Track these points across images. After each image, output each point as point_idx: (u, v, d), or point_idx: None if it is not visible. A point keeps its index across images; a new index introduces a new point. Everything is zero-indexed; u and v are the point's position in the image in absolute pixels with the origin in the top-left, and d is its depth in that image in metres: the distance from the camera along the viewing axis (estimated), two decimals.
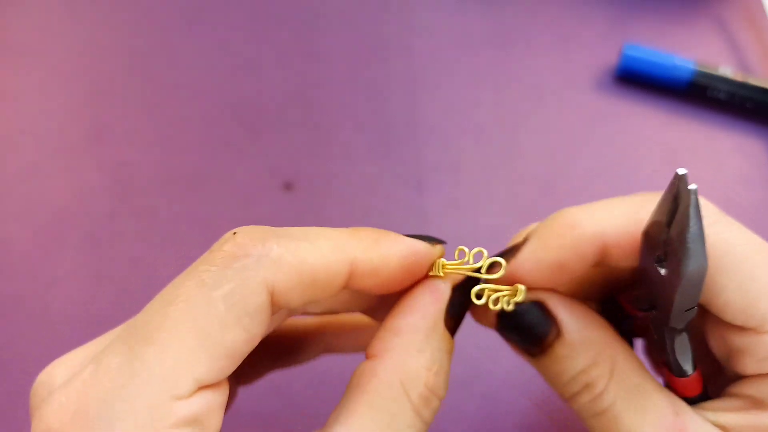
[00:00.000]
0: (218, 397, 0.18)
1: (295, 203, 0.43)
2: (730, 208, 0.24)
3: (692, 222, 0.18)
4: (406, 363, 0.21)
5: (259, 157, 0.45)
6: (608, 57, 0.49)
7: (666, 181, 0.20)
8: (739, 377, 0.22)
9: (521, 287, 0.22)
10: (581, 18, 0.51)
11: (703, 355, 0.24)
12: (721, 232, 0.21)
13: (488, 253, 0.22)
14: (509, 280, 0.23)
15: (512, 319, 0.23)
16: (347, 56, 0.49)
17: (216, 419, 0.18)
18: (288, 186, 0.44)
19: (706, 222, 0.19)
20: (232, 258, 0.18)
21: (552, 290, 0.23)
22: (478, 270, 0.22)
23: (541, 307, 0.23)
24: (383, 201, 0.43)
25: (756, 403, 0.22)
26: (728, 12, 0.51)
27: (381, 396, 0.20)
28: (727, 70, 0.46)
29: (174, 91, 0.48)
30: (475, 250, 0.22)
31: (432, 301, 0.22)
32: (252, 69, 0.49)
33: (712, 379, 0.24)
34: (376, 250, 0.20)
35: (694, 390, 0.22)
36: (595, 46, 0.50)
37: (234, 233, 0.19)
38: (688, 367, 0.21)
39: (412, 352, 0.21)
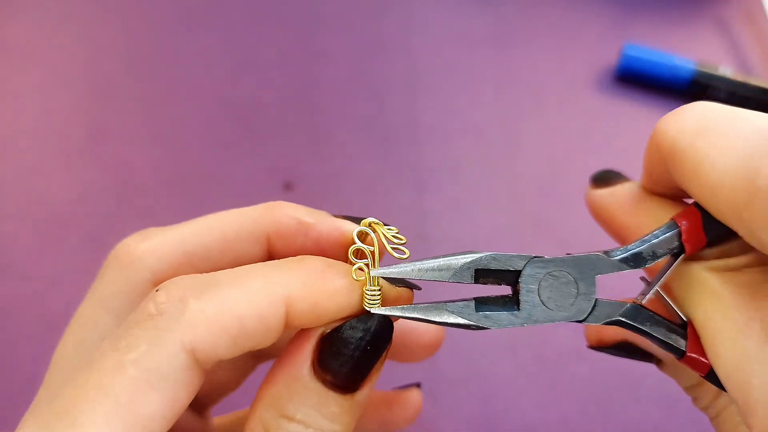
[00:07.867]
0: None
1: (295, 203, 0.43)
2: None
3: None
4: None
5: (259, 157, 0.45)
6: (608, 57, 0.49)
7: None
8: None
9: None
10: (581, 18, 0.51)
11: None
12: None
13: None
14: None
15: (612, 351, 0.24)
16: (347, 56, 0.49)
17: None
18: (288, 186, 0.44)
19: None
20: (148, 318, 0.17)
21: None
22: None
23: (630, 347, 0.23)
24: (383, 201, 0.43)
25: None
26: (728, 12, 0.51)
27: None
28: (727, 70, 0.46)
29: (174, 91, 0.48)
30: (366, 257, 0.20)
31: (291, 363, 0.18)
32: (252, 69, 0.49)
33: None
34: (318, 285, 0.18)
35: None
36: (595, 46, 0.50)
37: (157, 290, 0.18)
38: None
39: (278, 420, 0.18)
